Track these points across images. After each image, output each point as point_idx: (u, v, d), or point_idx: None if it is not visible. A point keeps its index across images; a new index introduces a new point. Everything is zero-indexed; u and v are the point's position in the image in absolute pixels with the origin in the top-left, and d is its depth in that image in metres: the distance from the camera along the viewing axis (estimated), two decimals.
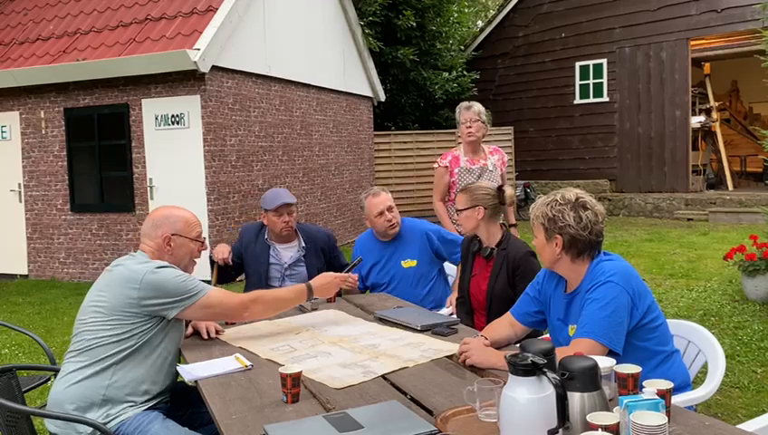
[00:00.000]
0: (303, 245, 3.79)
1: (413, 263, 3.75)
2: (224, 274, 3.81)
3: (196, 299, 2.40)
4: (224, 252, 3.71)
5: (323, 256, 3.85)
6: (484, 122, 4.49)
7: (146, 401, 2.33)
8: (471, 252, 3.37)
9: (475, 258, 3.35)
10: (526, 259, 3.15)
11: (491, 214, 3.24)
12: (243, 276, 3.98)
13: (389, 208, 3.70)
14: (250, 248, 3.79)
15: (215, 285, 3.71)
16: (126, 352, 2.31)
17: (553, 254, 2.34)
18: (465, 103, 4.61)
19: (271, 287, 3.71)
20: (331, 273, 2.97)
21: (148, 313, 2.34)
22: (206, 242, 2.83)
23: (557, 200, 2.34)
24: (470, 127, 4.44)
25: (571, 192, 2.36)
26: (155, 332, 2.36)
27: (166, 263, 2.44)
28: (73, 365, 2.32)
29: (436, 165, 4.60)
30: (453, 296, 3.65)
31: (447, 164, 4.50)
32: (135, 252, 2.53)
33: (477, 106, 4.53)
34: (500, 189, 3.30)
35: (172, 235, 2.53)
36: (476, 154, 4.51)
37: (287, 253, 3.78)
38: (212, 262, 3.79)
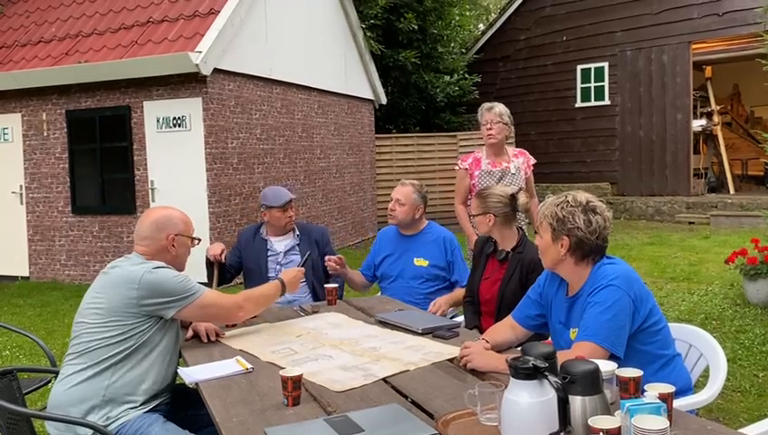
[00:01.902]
0: (297, 234, 4.00)
1: (424, 262, 3.79)
2: (222, 274, 3.89)
3: (193, 299, 2.44)
4: (216, 249, 3.79)
5: (318, 247, 4.00)
6: (506, 124, 4.35)
7: (146, 402, 2.34)
8: (485, 253, 3.36)
9: (489, 260, 3.34)
10: (540, 264, 3.14)
11: (502, 221, 3.24)
12: (241, 278, 4.04)
13: (397, 200, 3.82)
14: (249, 246, 3.97)
15: (216, 287, 3.77)
16: (125, 353, 2.32)
17: (558, 255, 2.34)
18: (486, 104, 4.46)
19: (269, 278, 3.84)
20: (296, 268, 3.16)
21: (146, 312, 2.35)
22: (207, 241, 2.87)
23: (568, 202, 2.33)
24: (491, 129, 4.31)
25: (582, 195, 2.35)
26: (153, 331, 2.38)
27: (162, 263, 2.48)
28: (73, 368, 2.33)
29: (456, 167, 4.52)
30: (443, 299, 3.61)
31: (468, 166, 4.39)
32: (130, 254, 2.54)
33: (499, 107, 4.38)
34: (513, 196, 3.28)
35: (176, 235, 2.58)
36: (499, 156, 4.39)
37: (281, 244, 3.96)
38: (210, 263, 3.84)
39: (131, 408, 2.30)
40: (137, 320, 2.34)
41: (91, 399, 2.27)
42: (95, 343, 2.31)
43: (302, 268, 3.23)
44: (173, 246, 2.57)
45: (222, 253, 3.78)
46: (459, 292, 3.62)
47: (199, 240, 2.73)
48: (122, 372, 2.31)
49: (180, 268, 2.58)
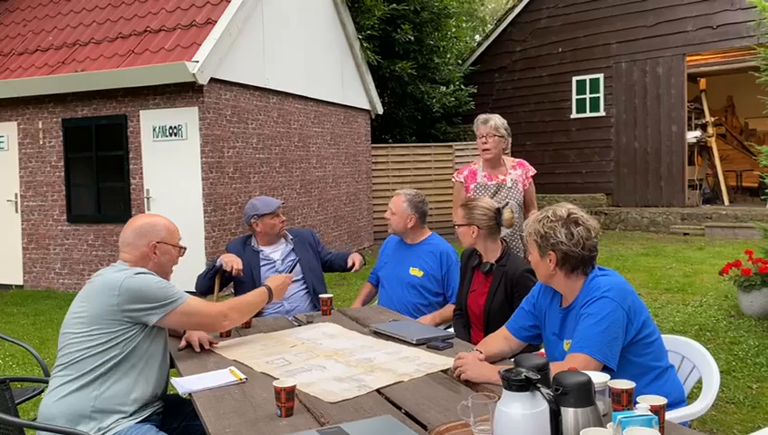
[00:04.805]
0: (291, 238, 4.03)
1: (419, 273, 3.79)
2: (222, 283, 3.92)
3: (175, 305, 2.41)
4: (238, 263, 3.77)
5: (312, 249, 4.06)
6: (502, 136, 4.20)
7: (137, 411, 2.32)
8: (470, 266, 3.38)
9: (474, 272, 3.36)
10: (524, 277, 3.15)
11: (486, 234, 3.25)
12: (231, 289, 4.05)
13: (389, 209, 3.89)
14: (239, 257, 3.90)
15: (217, 295, 3.79)
16: (112, 362, 2.30)
17: (548, 270, 2.35)
18: (482, 116, 4.30)
19: None
20: (282, 275, 3.16)
21: (129, 319, 2.32)
22: (202, 250, 2.86)
23: (548, 217, 2.34)
24: (486, 143, 4.17)
25: (563, 208, 2.36)
26: (139, 340, 2.36)
27: (144, 269, 2.45)
28: (61, 379, 2.31)
29: (453, 179, 4.45)
30: (427, 318, 3.60)
31: (463, 179, 4.28)
32: (115, 263, 2.53)
33: (495, 120, 4.21)
34: (498, 211, 3.27)
35: (157, 242, 2.56)
36: (495, 169, 4.23)
37: (277, 252, 3.97)
38: (216, 270, 3.85)
39: (122, 418, 2.28)
40: (120, 327, 2.31)
41: (81, 410, 2.25)
42: (81, 353, 2.29)
43: (291, 275, 3.26)
44: (155, 253, 2.54)
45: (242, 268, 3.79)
46: (448, 309, 3.63)
47: (185, 249, 2.69)
48: (110, 382, 2.29)
49: (164, 277, 2.54)
